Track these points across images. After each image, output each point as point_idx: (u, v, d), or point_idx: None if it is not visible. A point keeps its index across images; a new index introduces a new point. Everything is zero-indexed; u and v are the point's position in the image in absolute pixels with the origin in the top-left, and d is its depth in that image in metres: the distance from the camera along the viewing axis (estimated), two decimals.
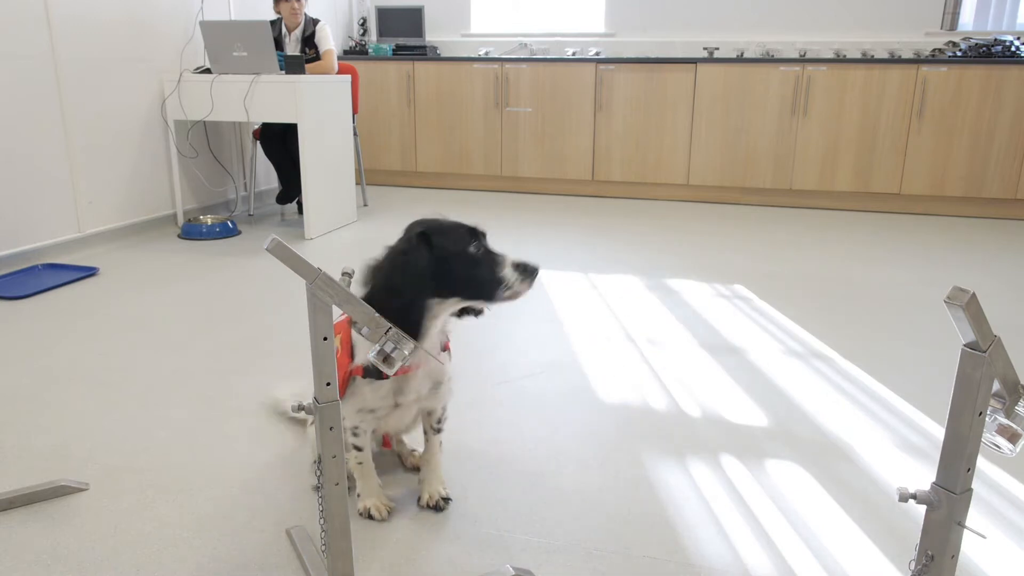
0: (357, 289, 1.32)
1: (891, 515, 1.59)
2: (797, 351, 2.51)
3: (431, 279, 1.35)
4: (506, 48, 5.79)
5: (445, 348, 1.52)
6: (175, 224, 4.26)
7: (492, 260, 1.37)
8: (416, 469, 1.76)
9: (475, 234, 1.38)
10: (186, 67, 4.19)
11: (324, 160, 4.10)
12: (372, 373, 1.42)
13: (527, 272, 1.38)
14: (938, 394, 2.18)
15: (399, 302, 1.32)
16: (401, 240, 1.38)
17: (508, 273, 1.37)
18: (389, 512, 1.58)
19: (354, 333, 1.41)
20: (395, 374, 1.40)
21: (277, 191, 4.69)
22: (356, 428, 1.52)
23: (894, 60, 4.64)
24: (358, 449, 1.55)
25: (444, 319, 1.45)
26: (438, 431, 1.62)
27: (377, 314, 1.19)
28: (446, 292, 1.38)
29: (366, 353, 1.36)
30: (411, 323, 1.33)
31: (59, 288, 3.10)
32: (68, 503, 1.60)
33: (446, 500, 1.61)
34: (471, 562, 1.43)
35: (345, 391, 1.46)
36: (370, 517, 1.56)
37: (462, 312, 1.48)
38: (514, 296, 1.38)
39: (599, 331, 2.68)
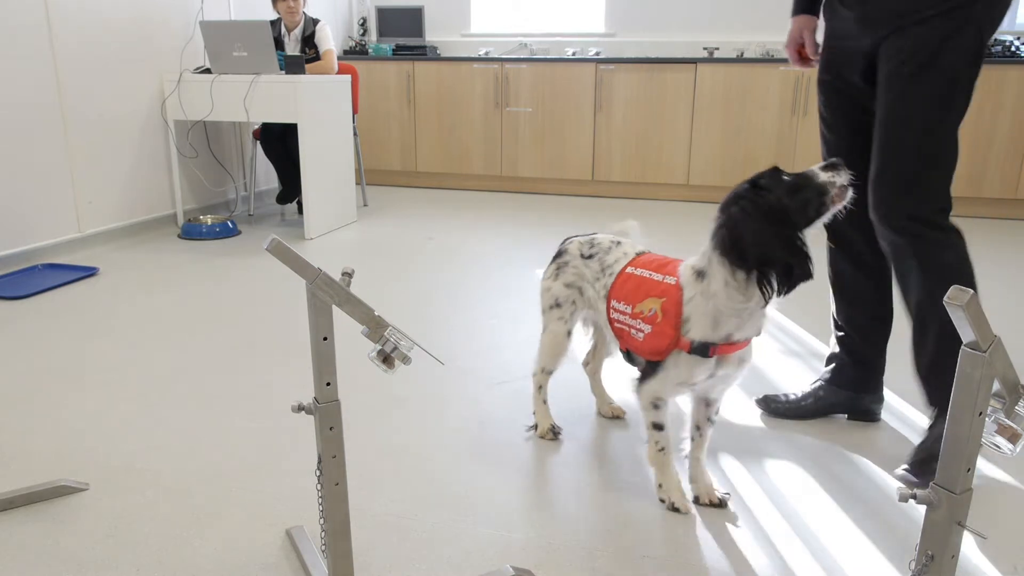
0: (717, 260, 1.38)
1: (891, 515, 1.59)
2: (797, 351, 2.51)
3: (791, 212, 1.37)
4: (506, 48, 5.80)
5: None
6: (175, 224, 4.26)
7: (803, 176, 1.39)
8: (616, 417, 1.96)
9: (777, 170, 1.40)
10: (186, 67, 4.19)
11: (324, 160, 4.10)
12: (701, 351, 1.43)
13: (833, 167, 1.40)
14: None
15: (794, 250, 1.34)
16: (742, 197, 1.38)
17: (825, 177, 1.38)
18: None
19: (698, 308, 1.43)
20: (722, 351, 1.44)
21: (277, 191, 4.69)
22: (660, 400, 1.54)
23: None
24: (658, 428, 1.57)
25: None
26: (712, 423, 1.63)
27: (377, 314, 1.18)
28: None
29: (702, 329, 1.42)
30: (806, 258, 1.35)
31: (59, 288, 3.10)
32: (68, 503, 1.60)
33: (727, 494, 1.63)
34: (471, 562, 1.43)
35: (663, 362, 1.48)
36: (674, 510, 1.58)
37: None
38: (842, 194, 1.39)
39: None
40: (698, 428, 1.63)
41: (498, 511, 1.59)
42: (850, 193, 1.40)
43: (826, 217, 1.40)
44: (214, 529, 1.52)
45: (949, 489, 0.94)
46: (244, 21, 4.14)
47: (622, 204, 5.13)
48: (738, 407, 2.09)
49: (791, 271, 1.34)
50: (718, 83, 4.92)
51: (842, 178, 1.39)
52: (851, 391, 1.95)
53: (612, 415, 2.02)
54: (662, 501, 1.61)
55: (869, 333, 1.91)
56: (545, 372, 1.89)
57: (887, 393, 2.18)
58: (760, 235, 1.34)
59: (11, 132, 3.29)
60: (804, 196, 1.37)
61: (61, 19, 3.46)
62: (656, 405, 1.55)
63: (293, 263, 1.09)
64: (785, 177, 1.38)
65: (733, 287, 1.38)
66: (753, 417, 2.03)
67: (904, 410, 2.07)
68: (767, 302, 1.39)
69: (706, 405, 1.61)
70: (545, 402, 1.92)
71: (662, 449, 1.59)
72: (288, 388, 2.19)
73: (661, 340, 1.47)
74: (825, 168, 1.40)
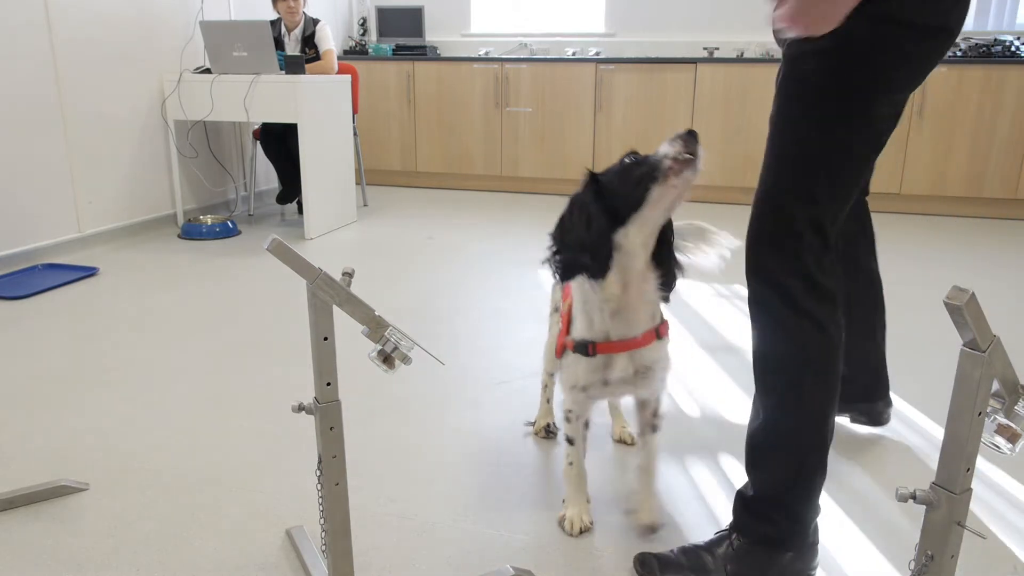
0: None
1: (891, 515, 1.59)
2: None
3: (599, 211, 1.30)
4: (506, 48, 5.79)
5: (661, 334, 1.42)
6: (175, 224, 4.26)
7: (647, 157, 1.29)
8: (622, 442, 1.88)
9: (630, 153, 1.33)
10: (186, 67, 4.19)
11: (324, 160, 4.10)
12: (580, 349, 1.42)
13: (679, 138, 1.25)
14: (938, 394, 2.17)
15: (579, 242, 1.30)
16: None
17: (663, 149, 1.26)
18: (582, 531, 1.51)
19: (576, 307, 1.42)
20: (602, 350, 1.39)
21: (277, 191, 4.69)
22: (569, 412, 1.51)
23: None
24: (568, 441, 1.54)
25: (645, 262, 1.35)
26: (655, 428, 1.52)
27: (377, 314, 1.18)
28: (624, 215, 1.30)
29: (582, 328, 1.41)
30: (599, 258, 1.30)
31: (59, 288, 3.10)
32: (68, 503, 1.60)
33: (660, 526, 1.53)
34: (471, 562, 1.43)
35: (560, 362, 1.49)
36: (562, 528, 1.52)
37: (664, 280, 1.39)
38: (681, 164, 1.24)
39: None
40: (642, 435, 1.54)
41: (498, 511, 1.59)
42: (699, 165, 1.24)
43: (667, 193, 1.26)
44: (214, 529, 1.52)
45: (949, 489, 0.94)
46: (244, 21, 4.14)
47: None
48: (738, 407, 2.09)
49: (571, 262, 1.31)
50: (718, 83, 4.92)
51: (676, 148, 1.25)
52: (862, 401, 1.93)
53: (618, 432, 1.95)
54: (558, 522, 1.54)
55: (862, 352, 1.86)
56: (547, 373, 1.91)
57: None
58: (562, 226, 1.34)
59: (11, 132, 3.29)
60: (638, 173, 1.28)
61: (61, 18, 3.46)
62: (567, 418, 1.52)
63: (293, 263, 1.09)
64: (627, 160, 1.31)
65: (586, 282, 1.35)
66: None
67: (905, 411, 2.07)
68: (603, 295, 1.34)
69: (642, 405, 1.52)
70: (549, 401, 1.92)
71: (571, 463, 1.55)
72: (288, 388, 2.19)
73: (559, 338, 1.50)
74: (673, 140, 1.26)
